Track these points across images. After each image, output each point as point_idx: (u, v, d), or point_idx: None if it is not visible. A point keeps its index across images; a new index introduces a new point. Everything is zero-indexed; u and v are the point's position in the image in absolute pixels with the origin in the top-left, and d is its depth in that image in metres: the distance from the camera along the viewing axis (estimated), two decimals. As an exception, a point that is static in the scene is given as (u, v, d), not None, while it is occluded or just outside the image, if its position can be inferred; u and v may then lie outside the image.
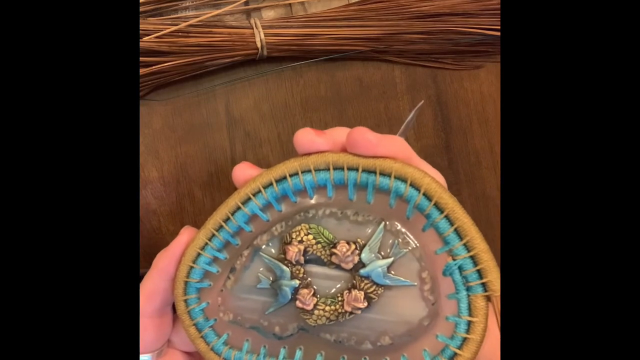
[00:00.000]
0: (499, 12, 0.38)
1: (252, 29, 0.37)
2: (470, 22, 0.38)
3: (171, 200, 0.39)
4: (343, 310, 0.23)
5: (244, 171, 0.25)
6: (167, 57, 0.35)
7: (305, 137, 0.24)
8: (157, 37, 0.35)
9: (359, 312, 0.23)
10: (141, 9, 0.36)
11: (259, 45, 0.36)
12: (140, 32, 0.35)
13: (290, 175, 0.24)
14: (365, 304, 0.23)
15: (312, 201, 0.24)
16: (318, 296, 0.24)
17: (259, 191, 0.24)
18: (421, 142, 0.40)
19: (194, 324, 0.26)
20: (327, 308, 0.23)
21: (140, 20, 0.35)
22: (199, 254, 0.25)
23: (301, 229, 0.24)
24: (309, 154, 0.24)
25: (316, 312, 0.24)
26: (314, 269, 0.24)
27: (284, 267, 0.24)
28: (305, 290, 0.24)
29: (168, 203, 0.39)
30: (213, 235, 0.25)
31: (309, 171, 0.24)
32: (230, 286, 0.25)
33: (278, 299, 0.24)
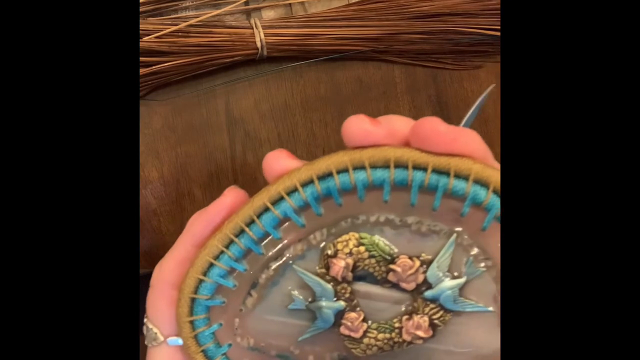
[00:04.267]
0: (499, 12, 0.38)
1: (252, 29, 0.37)
2: (470, 22, 0.38)
3: (171, 200, 0.39)
4: (400, 340, 0.20)
5: (279, 161, 0.20)
6: (167, 57, 0.35)
7: (359, 127, 0.20)
8: (157, 37, 0.35)
9: (421, 342, 0.19)
10: (141, 9, 0.36)
11: (259, 45, 0.36)
12: (140, 32, 0.35)
13: (338, 172, 0.20)
14: (430, 332, 0.19)
15: (363, 205, 0.20)
16: (370, 322, 0.20)
17: (296, 189, 0.20)
18: (421, 142, 0.40)
19: (203, 351, 0.21)
20: (380, 336, 0.20)
21: (140, 20, 0.35)
22: (211, 264, 0.21)
23: (349, 238, 0.20)
24: (363, 147, 0.20)
25: (366, 340, 0.20)
26: (364, 287, 0.20)
27: (327, 285, 0.20)
28: (353, 315, 0.20)
29: (168, 203, 0.39)
30: (231, 241, 0.20)
31: (363, 168, 0.19)
32: (252, 305, 0.21)
33: (317, 323, 0.20)
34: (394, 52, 0.39)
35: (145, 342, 0.23)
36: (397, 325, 0.20)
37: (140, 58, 0.35)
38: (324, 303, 0.20)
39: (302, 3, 0.39)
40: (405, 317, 0.20)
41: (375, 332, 0.20)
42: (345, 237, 0.20)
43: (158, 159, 0.38)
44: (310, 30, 0.37)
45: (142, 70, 0.35)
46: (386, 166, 0.19)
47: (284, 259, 0.21)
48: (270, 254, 0.21)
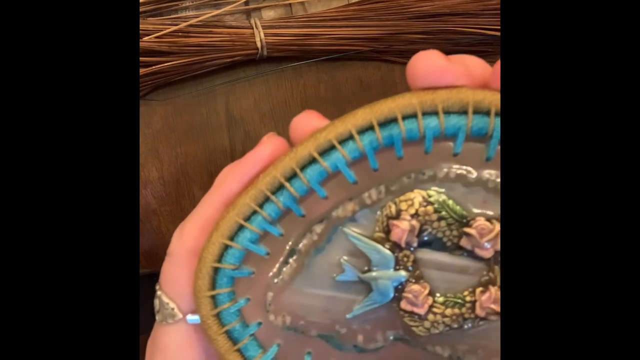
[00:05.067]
0: (499, 12, 0.38)
1: (252, 29, 0.37)
2: (470, 22, 0.38)
3: (171, 200, 0.39)
4: (472, 316, 0.17)
5: (309, 122, 0.17)
6: (167, 57, 0.35)
7: (432, 63, 0.16)
8: (157, 37, 0.35)
9: (496, 318, 0.17)
10: (141, 9, 0.36)
11: (259, 45, 0.36)
12: (140, 32, 0.35)
13: (404, 118, 0.16)
14: None
15: (428, 158, 0.17)
16: (437, 295, 0.17)
17: (350, 137, 0.16)
18: (421, 142, 0.40)
19: (226, 332, 0.18)
20: (448, 311, 0.17)
21: (140, 20, 0.35)
22: (240, 227, 0.17)
23: (415, 197, 0.16)
24: (435, 88, 0.16)
25: (431, 317, 0.17)
26: (429, 255, 0.17)
27: (386, 252, 0.17)
28: (417, 287, 0.17)
29: (168, 203, 0.39)
30: (267, 199, 0.17)
31: (435, 113, 0.16)
32: (290, 276, 0.18)
33: (372, 296, 0.17)
34: (394, 52, 0.39)
35: (158, 319, 0.21)
36: (468, 299, 0.17)
37: (140, 58, 0.35)
38: (381, 273, 0.17)
39: (302, 3, 0.39)
40: (479, 289, 0.17)
41: (442, 307, 0.17)
42: (409, 195, 0.17)
43: (158, 159, 0.38)
44: (310, 30, 0.37)
45: (142, 70, 0.35)
46: (463, 112, 0.16)
47: (331, 221, 0.17)
48: (313, 215, 0.17)
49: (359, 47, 0.38)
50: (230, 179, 0.18)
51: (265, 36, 0.36)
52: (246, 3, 0.39)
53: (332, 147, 0.17)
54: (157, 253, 0.38)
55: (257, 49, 0.36)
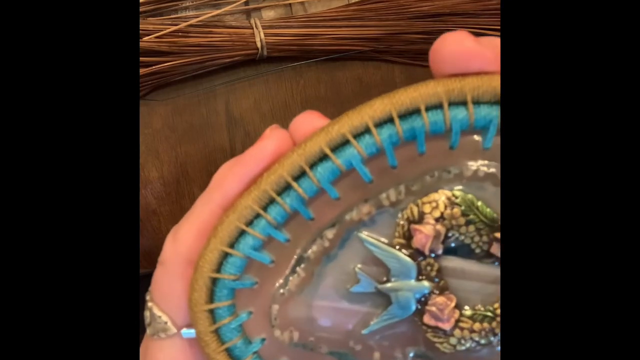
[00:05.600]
0: (499, 12, 0.38)
1: (252, 29, 0.37)
2: (470, 22, 0.38)
3: (171, 200, 0.39)
4: None
5: (311, 123, 0.15)
6: (167, 57, 0.35)
7: (461, 45, 0.14)
8: (157, 37, 0.35)
9: None
10: (141, 9, 0.36)
11: (259, 45, 0.36)
12: (140, 32, 0.35)
13: (427, 109, 0.14)
14: None
15: (454, 154, 0.15)
16: (465, 308, 0.15)
17: (367, 130, 0.14)
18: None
19: (227, 349, 0.16)
20: (477, 326, 0.15)
21: (140, 20, 0.35)
22: (242, 232, 0.15)
23: (440, 198, 0.15)
24: (463, 74, 0.14)
25: (457, 332, 0.15)
26: (454, 263, 0.15)
27: (407, 260, 0.15)
28: (441, 299, 0.15)
29: (168, 203, 0.39)
30: (272, 200, 0.15)
31: (463, 104, 0.14)
32: (298, 287, 0.16)
33: (391, 310, 0.15)
34: (394, 52, 0.39)
35: (149, 332, 0.19)
36: (500, 312, 0.15)
37: (140, 58, 0.35)
38: (402, 284, 0.15)
39: (302, 3, 0.39)
40: None
41: (469, 321, 0.15)
42: (433, 195, 0.15)
43: (158, 159, 0.38)
44: (310, 30, 0.37)
45: (142, 70, 0.35)
46: (495, 102, 0.14)
47: (344, 225, 0.15)
48: (324, 219, 0.16)
49: (359, 47, 0.38)
50: (230, 178, 0.16)
51: (265, 36, 0.36)
52: (246, 3, 0.39)
53: (345, 142, 0.15)
54: (157, 253, 0.38)
55: (257, 49, 0.36)
